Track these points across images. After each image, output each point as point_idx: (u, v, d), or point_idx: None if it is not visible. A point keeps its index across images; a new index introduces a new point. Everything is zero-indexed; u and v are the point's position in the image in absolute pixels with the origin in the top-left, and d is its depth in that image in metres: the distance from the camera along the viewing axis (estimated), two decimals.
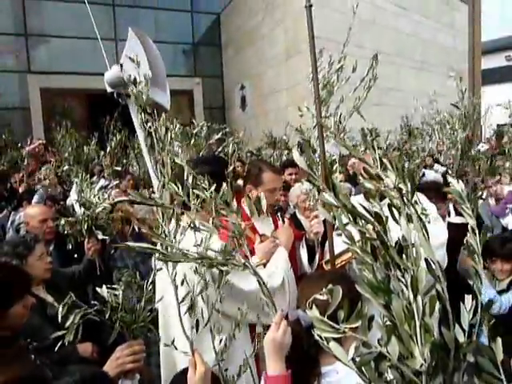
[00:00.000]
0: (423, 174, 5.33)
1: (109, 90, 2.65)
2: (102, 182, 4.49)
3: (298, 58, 10.06)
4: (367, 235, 0.73)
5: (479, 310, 0.74)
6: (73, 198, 4.71)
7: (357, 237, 0.75)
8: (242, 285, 1.78)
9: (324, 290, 0.73)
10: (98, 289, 1.36)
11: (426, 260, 0.71)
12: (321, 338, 0.71)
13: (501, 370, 0.66)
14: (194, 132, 4.25)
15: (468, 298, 0.75)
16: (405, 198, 0.72)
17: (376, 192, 0.75)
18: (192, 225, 1.15)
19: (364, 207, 0.74)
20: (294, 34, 10.18)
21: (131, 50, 2.78)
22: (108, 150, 5.43)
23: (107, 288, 1.37)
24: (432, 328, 0.66)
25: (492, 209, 4.16)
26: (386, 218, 0.72)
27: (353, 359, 0.66)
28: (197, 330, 1.28)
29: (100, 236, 2.80)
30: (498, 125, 8.80)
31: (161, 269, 1.48)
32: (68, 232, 3.22)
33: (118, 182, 4.59)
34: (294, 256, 2.37)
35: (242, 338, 1.83)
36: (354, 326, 0.67)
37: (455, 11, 14.00)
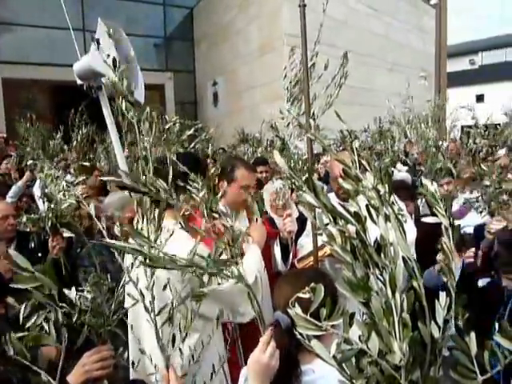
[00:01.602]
0: (391, 173, 5.46)
1: (78, 81, 2.55)
2: (68, 178, 4.34)
3: (272, 54, 10.07)
4: (347, 234, 0.73)
5: (453, 305, 0.74)
6: (36, 194, 4.52)
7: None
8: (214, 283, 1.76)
9: (306, 288, 0.72)
10: (65, 290, 1.28)
11: (403, 258, 0.73)
12: (302, 336, 0.71)
13: (475, 363, 0.68)
14: (166, 127, 4.18)
15: (442, 294, 0.77)
16: (383, 199, 0.73)
17: (354, 192, 0.76)
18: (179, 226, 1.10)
19: (344, 207, 0.74)
20: (269, 30, 10.19)
21: (100, 42, 2.69)
22: (74, 145, 5.24)
23: (76, 290, 1.30)
24: (410, 324, 0.68)
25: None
26: (365, 217, 0.73)
27: (334, 356, 0.67)
28: (173, 345, 1.23)
29: (65, 234, 2.69)
30: (462, 126, 9.12)
31: (131, 279, 1.41)
32: (31, 230, 3.08)
33: (84, 177, 4.44)
34: (267, 254, 2.37)
35: (215, 337, 1.81)
36: (335, 323, 0.67)
37: (424, 14, 14.43)
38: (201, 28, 13.34)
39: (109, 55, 2.26)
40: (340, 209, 0.74)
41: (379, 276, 0.71)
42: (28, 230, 3.08)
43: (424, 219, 3.35)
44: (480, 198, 3.19)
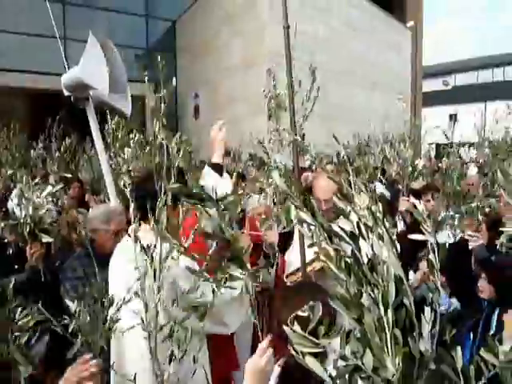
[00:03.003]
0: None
1: (66, 93, 2.54)
2: (50, 189, 4.25)
3: (255, 70, 10.21)
4: (342, 253, 0.75)
5: (438, 320, 0.77)
6: (14, 201, 4.41)
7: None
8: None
9: (305, 306, 0.75)
10: (67, 301, 1.26)
11: (395, 277, 0.76)
12: (296, 352, 0.72)
13: (461, 377, 0.72)
14: (150, 140, 4.18)
15: (427, 309, 0.80)
16: (376, 218, 0.76)
17: (349, 212, 0.78)
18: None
19: (340, 226, 0.77)
20: (253, 46, 10.35)
21: (90, 54, 2.70)
22: (57, 155, 5.14)
23: (60, 301, 1.27)
24: (401, 340, 0.70)
25: None
26: (359, 236, 0.75)
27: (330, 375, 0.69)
28: (170, 362, 1.22)
29: (44, 239, 2.61)
30: (436, 144, 9.41)
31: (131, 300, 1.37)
32: (8, 240, 2.99)
33: (63, 185, 4.35)
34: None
35: (199, 349, 1.81)
36: (333, 340, 0.69)
37: (400, 36, 14.97)
38: (183, 40, 13.42)
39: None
40: (336, 228, 0.77)
41: (371, 293, 0.73)
42: (5, 240, 3.00)
43: (410, 236, 3.42)
44: (456, 215, 3.28)
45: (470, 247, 2.79)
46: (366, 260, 0.74)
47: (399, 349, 0.68)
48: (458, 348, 0.73)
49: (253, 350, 2.44)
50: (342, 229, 0.76)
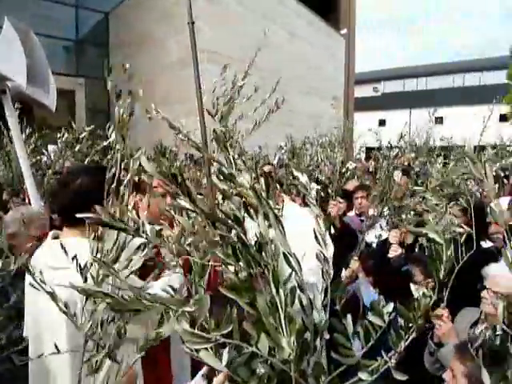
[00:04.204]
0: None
1: None
2: None
3: (190, 69, 10.05)
4: (227, 238, 0.72)
5: (329, 291, 0.79)
6: None
7: None
8: None
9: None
10: None
11: (284, 254, 0.74)
12: (191, 350, 0.69)
13: (352, 342, 0.75)
14: (81, 137, 3.93)
15: (320, 280, 0.82)
16: (260, 197, 0.72)
17: (231, 193, 0.73)
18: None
19: (222, 210, 0.74)
20: (189, 44, 10.17)
21: (6, 43, 2.47)
22: None
23: None
24: (295, 318, 0.69)
25: (354, 219, 4.39)
26: (243, 218, 0.72)
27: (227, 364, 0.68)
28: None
29: None
30: (367, 147, 9.92)
31: None
32: None
33: None
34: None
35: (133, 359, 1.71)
36: (224, 332, 0.67)
37: (337, 43, 15.62)
38: (117, 35, 12.87)
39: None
40: (217, 212, 0.73)
41: (262, 275, 0.72)
42: None
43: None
44: (385, 214, 3.43)
45: (389, 255, 2.97)
46: (253, 242, 0.72)
47: (293, 327, 0.68)
48: (349, 316, 0.76)
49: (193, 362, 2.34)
50: (225, 213, 0.72)
